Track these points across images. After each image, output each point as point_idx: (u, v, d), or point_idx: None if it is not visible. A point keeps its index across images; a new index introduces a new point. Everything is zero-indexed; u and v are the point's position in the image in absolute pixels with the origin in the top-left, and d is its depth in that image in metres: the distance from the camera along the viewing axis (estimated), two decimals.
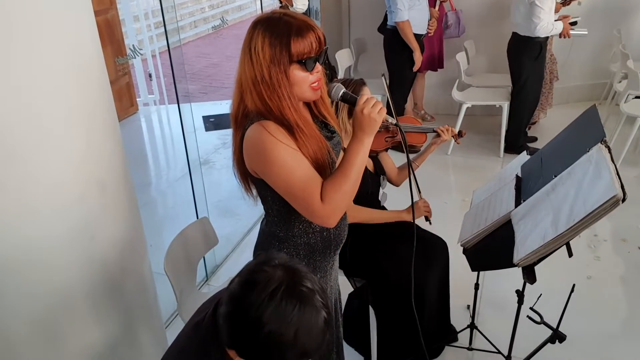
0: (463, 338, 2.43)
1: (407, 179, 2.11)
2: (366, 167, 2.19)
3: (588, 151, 1.53)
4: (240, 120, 1.37)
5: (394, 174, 2.37)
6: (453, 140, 2.34)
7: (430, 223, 2.23)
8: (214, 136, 5.00)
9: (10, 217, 1.41)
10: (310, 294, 1.01)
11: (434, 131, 2.28)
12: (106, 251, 1.65)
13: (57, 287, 1.54)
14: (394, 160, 2.39)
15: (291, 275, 1.03)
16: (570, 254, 1.58)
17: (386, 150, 2.27)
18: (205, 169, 4.11)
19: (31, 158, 1.40)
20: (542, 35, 3.83)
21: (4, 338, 1.53)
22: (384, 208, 2.37)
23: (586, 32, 4.03)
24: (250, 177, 1.42)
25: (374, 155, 2.27)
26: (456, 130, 2.32)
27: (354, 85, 2.03)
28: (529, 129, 4.63)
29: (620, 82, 4.54)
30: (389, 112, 1.39)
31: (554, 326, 1.96)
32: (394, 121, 1.43)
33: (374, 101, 1.32)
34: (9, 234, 1.42)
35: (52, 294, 1.54)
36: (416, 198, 2.14)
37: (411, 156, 2.31)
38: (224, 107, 5.78)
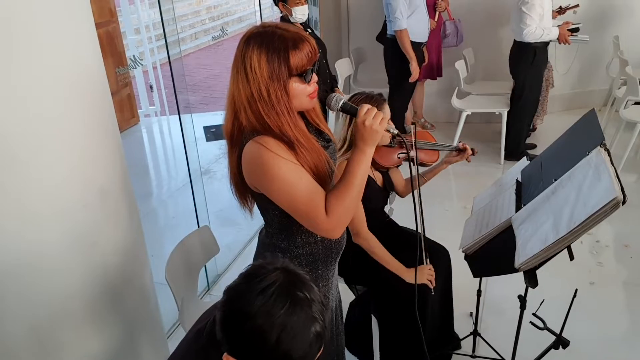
0: (466, 345, 2.42)
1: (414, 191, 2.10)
2: (375, 182, 2.18)
3: (587, 154, 1.54)
4: (235, 138, 1.35)
5: (401, 187, 2.37)
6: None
7: (432, 292, 2.07)
8: (214, 146, 5.01)
9: (10, 222, 1.41)
10: (305, 301, 1.00)
11: (457, 149, 2.21)
12: (107, 259, 1.65)
13: (58, 293, 1.54)
14: (402, 170, 2.37)
15: (290, 278, 1.02)
16: (571, 257, 1.58)
17: (397, 167, 2.25)
18: (206, 179, 4.12)
19: (32, 164, 1.41)
20: (531, 41, 3.88)
21: (3, 344, 1.53)
22: (390, 222, 2.37)
23: (588, 38, 4.05)
24: (251, 192, 1.42)
25: (384, 171, 2.25)
26: (470, 149, 2.24)
27: (377, 102, 2.02)
28: (529, 135, 4.64)
29: (619, 88, 4.55)
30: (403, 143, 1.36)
31: (557, 332, 1.96)
32: (396, 131, 1.42)
33: (374, 112, 1.31)
34: (10, 239, 1.42)
35: (52, 300, 1.54)
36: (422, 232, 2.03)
37: (421, 169, 2.29)
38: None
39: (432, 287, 2.06)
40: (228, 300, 1.02)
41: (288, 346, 0.97)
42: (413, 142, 2.10)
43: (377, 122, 1.30)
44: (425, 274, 2.07)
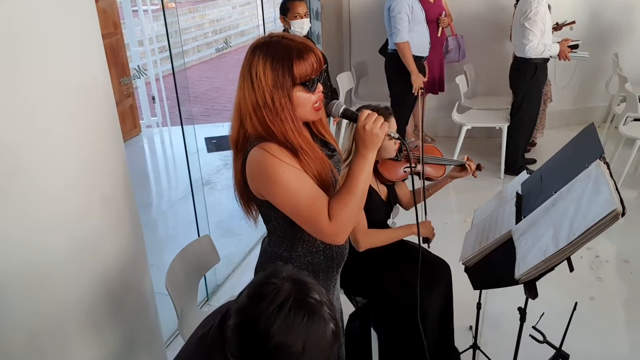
0: (466, 359, 2.41)
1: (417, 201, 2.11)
2: (378, 196, 2.18)
3: (587, 167, 1.55)
4: (241, 145, 1.38)
5: (406, 200, 2.37)
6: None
7: (428, 247, 2.20)
8: (215, 157, 5.04)
9: (13, 229, 1.42)
10: (318, 306, 1.01)
11: (462, 165, 2.23)
12: (109, 267, 1.65)
13: (58, 300, 1.54)
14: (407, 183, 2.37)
15: (299, 287, 1.03)
16: (571, 269, 1.58)
17: (403, 180, 2.25)
18: (207, 190, 4.12)
19: (36, 172, 1.42)
20: (533, 56, 3.92)
21: (2, 352, 1.53)
22: None
23: (587, 55, 4.09)
24: (254, 199, 1.43)
25: (390, 185, 2.24)
26: (474, 165, 2.28)
27: (382, 115, 2.02)
28: (529, 150, 4.66)
29: (618, 104, 4.59)
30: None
31: (557, 345, 1.95)
32: (397, 135, 1.44)
33: (375, 117, 1.33)
34: (12, 246, 1.43)
35: (52, 307, 1.54)
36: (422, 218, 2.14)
37: (425, 183, 2.30)
38: (225, 129, 5.82)
39: (430, 242, 2.24)
40: (245, 322, 1.02)
41: (313, 353, 0.99)
42: (420, 156, 2.10)
43: (378, 126, 1.32)
44: (429, 228, 2.21)
